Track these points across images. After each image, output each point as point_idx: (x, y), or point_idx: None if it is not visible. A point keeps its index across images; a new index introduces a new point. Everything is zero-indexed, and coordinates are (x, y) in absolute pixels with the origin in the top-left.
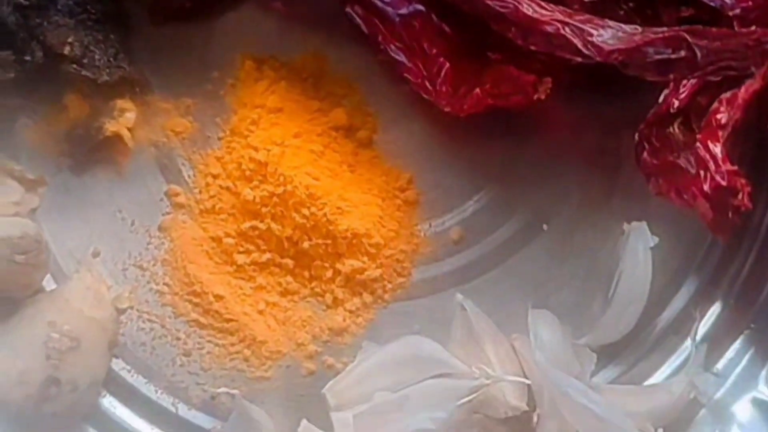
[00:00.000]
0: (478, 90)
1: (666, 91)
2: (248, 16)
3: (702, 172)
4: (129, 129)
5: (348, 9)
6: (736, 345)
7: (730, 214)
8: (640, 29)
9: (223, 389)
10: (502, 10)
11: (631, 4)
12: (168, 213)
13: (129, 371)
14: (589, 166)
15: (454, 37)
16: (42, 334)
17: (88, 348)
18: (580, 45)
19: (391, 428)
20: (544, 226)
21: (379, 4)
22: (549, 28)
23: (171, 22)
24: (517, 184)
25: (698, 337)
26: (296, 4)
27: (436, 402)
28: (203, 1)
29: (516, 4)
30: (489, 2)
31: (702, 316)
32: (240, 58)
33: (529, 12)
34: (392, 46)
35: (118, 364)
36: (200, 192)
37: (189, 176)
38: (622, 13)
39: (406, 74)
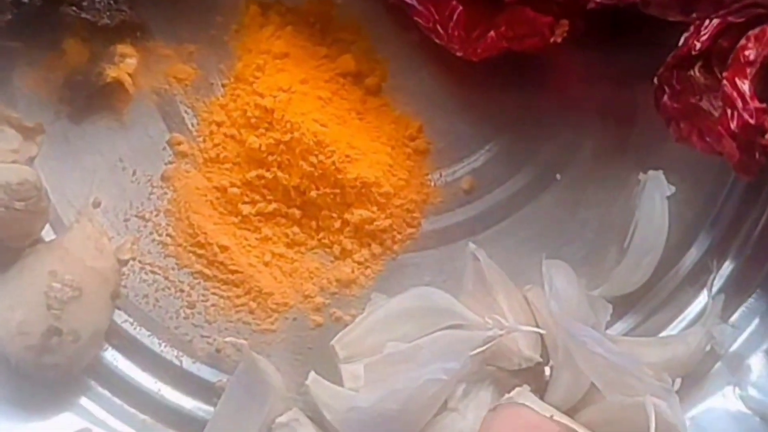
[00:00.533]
0: (492, 33)
1: (686, 34)
2: None
3: (729, 111)
4: (130, 75)
5: None
6: (753, 297)
7: (757, 154)
8: None
9: (230, 339)
10: None
11: None
12: (171, 162)
13: (131, 324)
14: (604, 115)
15: None
16: (42, 284)
17: (90, 298)
18: None
19: (402, 378)
20: (557, 176)
21: None
22: None
23: None
24: (530, 133)
25: (714, 289)
26: None
27: (449, 353)
28: None
29: None
30: None
31: (719, 268)
32: (244, 3)
33: None
34: None
35: (120, 317)
36: (204, 140)
37: (192, 124)
38: None
39: (416, 18)
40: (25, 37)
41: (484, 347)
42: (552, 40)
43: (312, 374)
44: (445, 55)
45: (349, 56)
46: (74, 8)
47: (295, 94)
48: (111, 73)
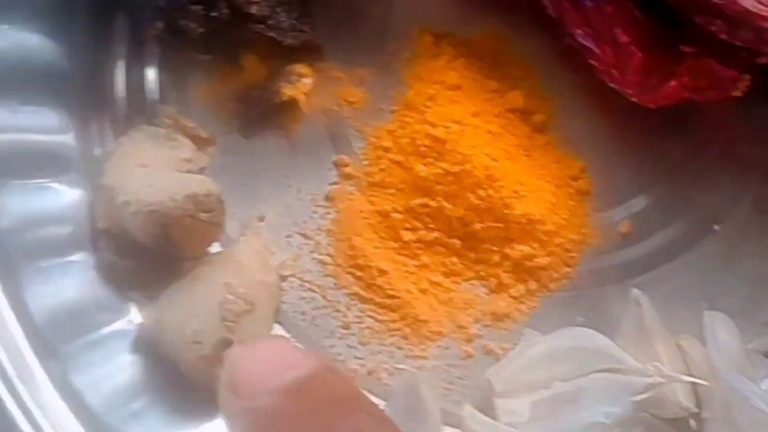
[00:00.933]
0: (674, 82)
1: None
2: None
3: None
4: (304, 95)
5: None
6: None
7: None
8: None
9: (402, 366)
10: (716, 0)
11: None
12: (335, 183)
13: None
14: (766, 171)
15: (648, 25)
16: (217, 295)
17: (259, 312)
18: None
19: (566, 419)
20: (715, 227)
21: None
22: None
23: None
24: (690, 182)
25: None
26: None
27: (611, 396)
28: None
29: None
30: None
31: None
32: (418, 32)
33: (747, 5)
34: (580, 31)
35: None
36: (369, 164)
37: (359, 147)
38: None
39: (592, 60)
40: (204, 50)
41: (645, 394)
42: (733, 93)
43: (467, 407)
44: (611, 99)
45: (518, 92)
46: (262, 26)
47: (467, 126)
48: (287, 91)
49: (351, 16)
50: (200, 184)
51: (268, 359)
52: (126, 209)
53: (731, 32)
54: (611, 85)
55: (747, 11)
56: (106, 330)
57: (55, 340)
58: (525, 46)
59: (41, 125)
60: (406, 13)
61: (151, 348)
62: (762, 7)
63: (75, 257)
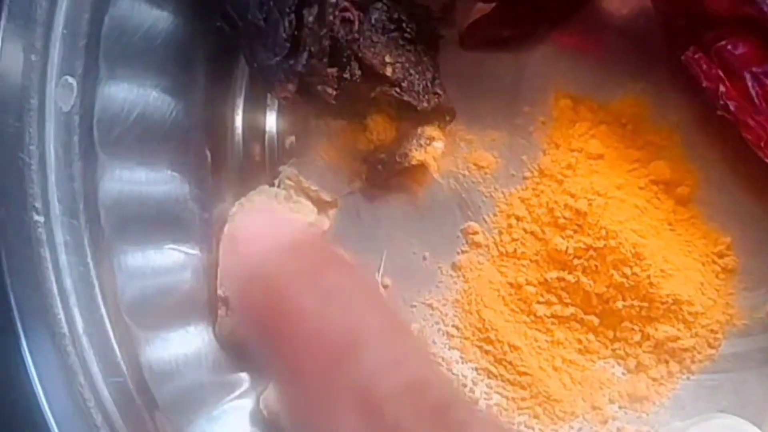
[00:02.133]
0: None
1: None
2: (565, 51)
3: None
4: (434, 159)
5: (686, 57)
6: None
7: None
8: None
9: None
10: None
11: None
12: (464, 251)
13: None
14: None
15: None
16: None
17: None
18: None
19: None
20: None
21: (728, 56)
22: None
23: (483, 48)
24: None
25: None
26: (615, 46)
27: None
28: (521, 32)
29: None
30: None
31: None
32: (554, 95)
33: None
34: (734, 103)
35: None
36: (500, 233)
37: (489, 215)
38: None
39: (746, 134)
40: (331, 110)
41: None
42: None
43: None
44: (760, 171)
45: (663, 163)
46: (397, 89)
47: (611, 199)
48: (417, 156)
49: (482, 76)
50: None
51: (267, 221)
52: None
53: None
54: (766, 160)
55: None
56: (226, 404)
57: (179, 417)
58: (667, 112)
59: (159, 185)
60: (540, 74)
61: (273, 424)
62: None
63: (193, 327)
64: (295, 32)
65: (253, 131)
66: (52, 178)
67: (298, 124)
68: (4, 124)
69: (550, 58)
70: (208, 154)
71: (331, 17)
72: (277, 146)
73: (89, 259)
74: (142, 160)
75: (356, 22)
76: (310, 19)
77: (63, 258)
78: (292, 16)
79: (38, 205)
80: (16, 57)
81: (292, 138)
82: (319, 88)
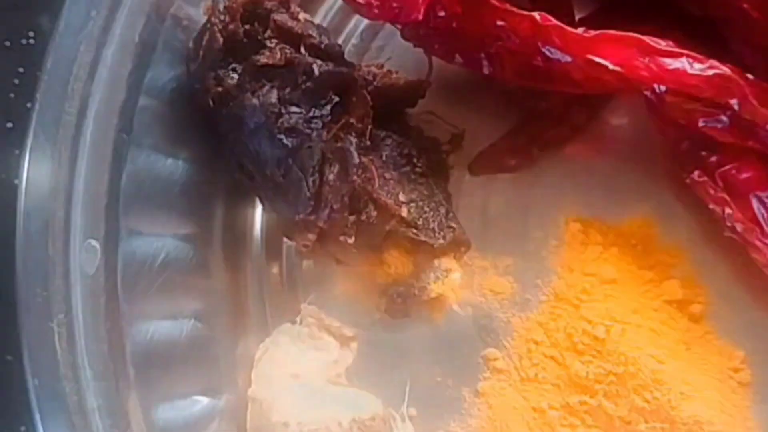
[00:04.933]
0: None
1: None
2: (574, 172)
3: None
4: (452, 290)
5: (691, 179)
6: None
7: None
8: None
9: None
10: None
11: None
12: (486, 378)
13: None
14: None
15: None
16: None
17: None
18: None
19: None
20: None
21: (733, 180)
22: None
23: (492, 174)
24: None
25: None
26: (621, 167)
27: None
28: (528, 160)
29: None
30: None
31: None
32: (564, 219)
33: None
34: (741, 225)
35: None
36: (521, 358)
37: (508, 340)
38: None
39: (754, 255)
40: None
41: None
42: None
43: None
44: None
45: (675, 282)
46: (413, 230)
47: (628, 325)
48: (435, 288)
49: (493, 202)
50: (363, 405)
51: None
52: (284, 430)
53: None
54: None
55: None
56: None
57: None
58: (675, 231)
59: (183, 332)
60: (548, 198)
61: None
62: None
63: None
64: (317, 188)
65: (273, 271)
66: (81, 342)
67: (320, 263)
68: (31, 294)
69: (557, 181)
70: (231, 296)
71: (354, 177)
72: (298, 283)
73: (121, 421)
74: (166, 310)
75: (375, 178)
76: (332, 177)
77: (97, 422)
78: (316, 175)
79: (69, 372)
80: (40, 224)
81: (312, 274)
82: (341, 238)
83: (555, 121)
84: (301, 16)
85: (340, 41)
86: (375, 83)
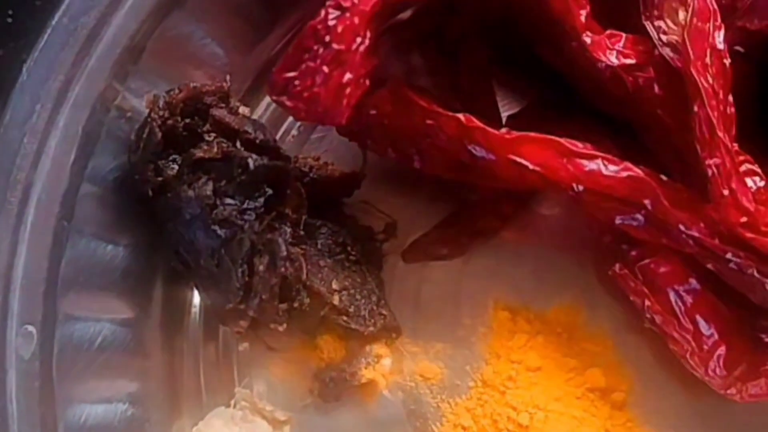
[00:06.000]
0: (763, 381)
1: None
2: (504, 260)
3: None
4: (383, 374)
5: (611, 271)
6: None
7: None
8: None
9: None
10: None
11: None
12: None
13: None
14: None
15: (730, 317)
16: None
17: None
18: None
19: None
20: None
21: (652, 274)
22: None
23: (424, 261)
24: None
25: None
26: (549, 256)
27: None
28: (459, 249)
29: None
30: None
31: None
32: (493, 307)
33: None
34: (660, 317)
35: None
36: None
37: (437, 425)
38: None
39: (673, 346)
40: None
41: None
42: None
43: None
44: (688, 374)
45: (598, 370)
46: (344, 318)
47: (550, 413)
48: (366, 374)
49: (424, 288)
50: None
51: None
52: None
53: None
54: (694, 373)
55: None
56: None
57: None
58: (600, 319)
59: (118, 414)
60: (478, 285)
61: None
62: None
63: None
64: (247, 279)
65: (209, 353)
66: (14, 427)
67: (254, 347)
68: None
69: (488, 269)
70: (166, 379)
71: (282, 269)
72: (234, 365)
73: None
74: (102, 393)
75: (304, 267)
76: (261, 268)
77: None
78: (245, 266)
79: None
80: None
81: (248, 357)
82: (271, 326)
83: (484, 212)
84: (242, 110)
85: (280, 132)
86: (311, 175)
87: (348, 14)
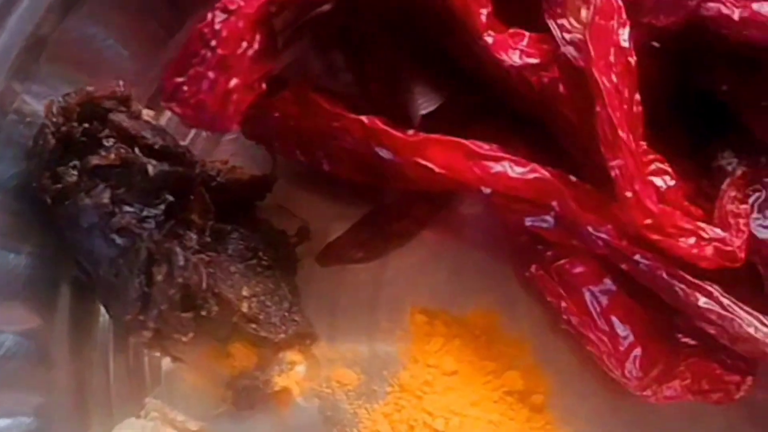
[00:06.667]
0: (677, 383)
1: None
2: (419, 264)
3: None
4: (296, 383)
5: (528, 273)
6: None
7: None
8: None
9: None
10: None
11: None
12: None
13: None
14: None
15: (645, 317)
16: None
17: None
18: None
19: None
20: None
21: (567, 275)
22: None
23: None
24: None
25: None
26: (467, 260)
27: None
28: (374, 252)
29: (737, 320)
30: (708, 314)
31: None
32: (410, 311)
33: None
34: (576, 319)
35: None
36: None
37: (354, 431)
38: None
39: (589, 348)
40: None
41: None
42: (736, 397)
43: None
44: (606, 375)
45: (516, 373)
46: (253, 326)
47: (466, 418)
48: (279, 381)
49: (341, 293)
50: None
51: None
52: None
53: (732, 343)
54: (611, 375)
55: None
56: None
57: None
58: (518, 322)
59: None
60: (397, 288)
61: None
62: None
63: None
64: (146, 289)
65: (119, 364)
66: None
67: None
68: None
69: (405, 272)
70: (76, 387)
71: (180, 279)
72: (144, 375)
73: None
74: (5, 406)
75: (204, 278)
76: (159, 278)
77: None
78: (142, 276)
79: None
80: None
81: (159, 366)
82: (175, 336)
83: (399, 215)
84: (145, 113)
85: (191, 135)
86: (219, 179)
87: (233, 18)
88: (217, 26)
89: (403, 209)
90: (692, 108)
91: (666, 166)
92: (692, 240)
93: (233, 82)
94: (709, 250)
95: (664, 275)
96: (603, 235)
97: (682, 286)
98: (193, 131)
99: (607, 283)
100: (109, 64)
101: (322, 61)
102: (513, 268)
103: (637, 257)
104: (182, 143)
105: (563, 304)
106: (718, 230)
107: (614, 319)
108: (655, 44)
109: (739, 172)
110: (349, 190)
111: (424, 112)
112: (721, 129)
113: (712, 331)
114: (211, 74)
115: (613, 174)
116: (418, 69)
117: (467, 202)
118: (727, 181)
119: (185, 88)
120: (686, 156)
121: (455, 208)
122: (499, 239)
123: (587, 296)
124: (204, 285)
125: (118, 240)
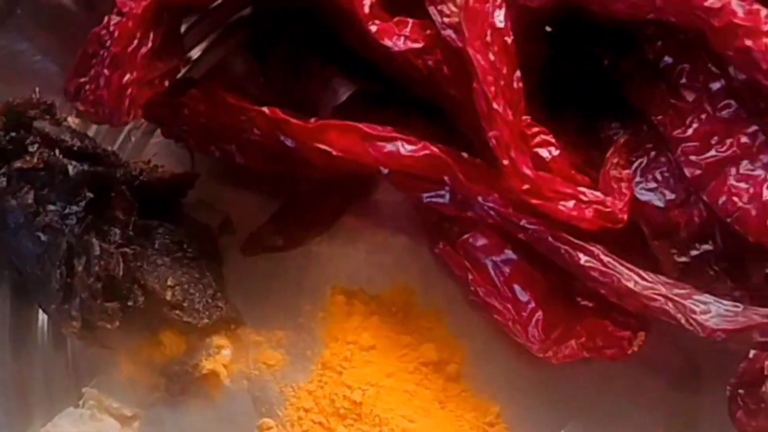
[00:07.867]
0: (573, 342)
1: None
2: (339, 249)
3: None
4: (224, 366)
5: (437, 249)
6: None
7: None
8: (741, 307)
9: None
10: (603, 280)
11: (721, 265)
12: None
13: None
14: (672, 397)
15: (545, 283)
16: None
17: None
18: (683, 321)
19: None
20: None
21: (471, 248)
22: (652, 303)
23: (263, 253)
24: (604, 415)
25: None
26: (385, 239)
27: None
28: (295, 239)
29: (617, 276)
30: (591, 273)
31: None
32: (330, 292)
33: (631, 284)
34: (482, 289)
35: None
36: (292, 425)
37: (282, 409)
38: (712, 273)
39: (497, 316)
40: (126, 330)
41: None
42: (629, 352)
43: None
44: (516, 342)
45: (431, 345)
46: (178, 312)
47: (382, 388)
48: (207, 365)
49: (265, 279)
50: None
51: None
52: None
53: (619, 299)
54: (517, 340)
55: (631, 291)
56: None
57: None
58: (434, 296)
59: None
60: (318, 272)
61: None
62: (647, 284)
63: None
64: (67, 280)
65: (59, 358)
66: None
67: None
68: None
69: (326, 257)
70: (14, 385)
71: (96, 268)
72: (83, 368)
73: None
74: None
75: (120, 267)
76: (80, 269)
77: None
78: (63, 267)
79: None
80: None
81: (96, 358)
82: (99, 324)
83: (315, 203)
84: (70, 120)
85: (121, 138)
86: (141, 178)
87: (124, 18)
88: (111, 28)
89: (317, 198)
90: (585, 84)
91: (550, 138)
92: (572, 203)
93: (127, 77)
94: (589, 212)
95: (550, 239)
96: (491, 204)
97: (566, 247)
98: (122, 135)
99: (508, 253)
100: (39, 79)
101: (245, 63)
102: (428, 247)
103: (523, 223)
104: (110, 147)
105: (470, 276)
106: (597, 193)
107: (516, 287)
108: (548, 29)
109: (621, 140)
110: (269, 181)
111: (336, 103)
112: (611, 103)
113: (601, 290)
114: (106, 71)
115: (491, 144)
116: (328, 61)
117: (382, 189)
118: (612, 149)
119: (87, 87)
120: (579, 130)
121: (371, 195)
122: (413, 220)
123: (490, 267)
124: (121, 273)
125: (43, 237)
